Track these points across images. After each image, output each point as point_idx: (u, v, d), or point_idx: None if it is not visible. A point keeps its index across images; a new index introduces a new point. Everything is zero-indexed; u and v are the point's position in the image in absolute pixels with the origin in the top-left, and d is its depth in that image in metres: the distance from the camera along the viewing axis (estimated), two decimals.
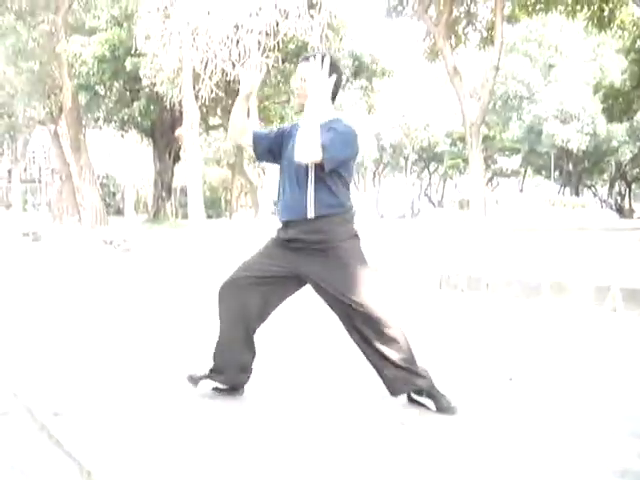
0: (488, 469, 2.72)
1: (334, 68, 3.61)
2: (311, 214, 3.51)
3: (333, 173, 3.51)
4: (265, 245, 3.77)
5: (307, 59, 3.64)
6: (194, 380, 3.84)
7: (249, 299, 3.64)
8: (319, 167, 3.45)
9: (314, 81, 3.47)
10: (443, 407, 3.48)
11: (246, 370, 3.81)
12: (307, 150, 3.36)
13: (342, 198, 3.58)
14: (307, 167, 3.49)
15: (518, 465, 2.77)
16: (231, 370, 3.78)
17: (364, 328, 3.53)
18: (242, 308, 3.66)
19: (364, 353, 3.61)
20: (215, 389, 3.83)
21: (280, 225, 3.68)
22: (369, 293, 3.53)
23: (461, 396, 3.59)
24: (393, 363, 3.51)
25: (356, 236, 3.65)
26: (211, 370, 3.81)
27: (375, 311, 3.51)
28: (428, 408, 3.49)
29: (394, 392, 3.59)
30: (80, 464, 2.83)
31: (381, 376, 3.59)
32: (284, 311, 3.93)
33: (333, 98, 3.67)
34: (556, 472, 2.69)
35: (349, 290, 3.50)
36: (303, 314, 4.04)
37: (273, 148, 3.78)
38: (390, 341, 3.51)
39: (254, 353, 3.79)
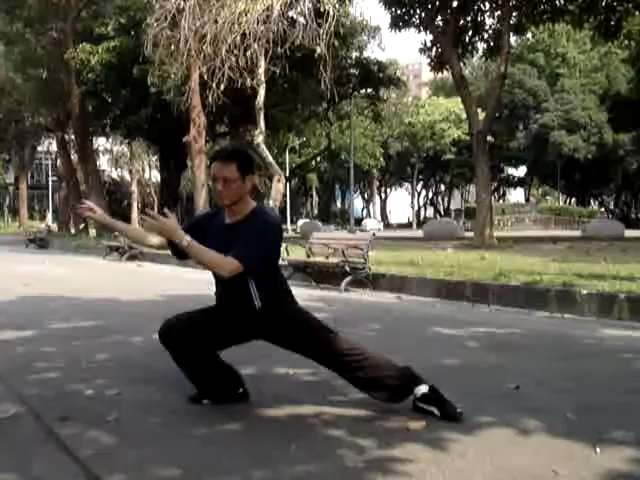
0: (493, 475, 2.73)
1: (249, 165, 3.69)
2: (258, 305, 3.64)
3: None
4: (213, 311, 3.85)
5: (223, 160, 3.63)
6: (195, 400, 3.83)
7: (199, 346, 3.67)
8: None
9: (167, 229, 3.50)
10: (449, 414, 3.48)
11: (230, 379, 3.84)
12: (221, 270, 3.56)
13: (281, 281, 3.81)
14: None
15: (529, 472, 2.77)
16: (219, 387, 3.81)
17: (336, 366, 3.68)
18: (195, 352, 3.67)
19: (350, 382, 3.72)
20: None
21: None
22: (327, 338, 3.67)
23: (467, 404, 3.59)
24: (376, 384, 3.61)
25: (296, 302, 3.83)
26: (201, 392, 3.82)
27: (340, 350, 3.63)
28: (434, 415, 3.49)
29: (389, 401, 3.65)
30: (88, 469, 2.84)
31: (374, 397, 3.66)
32: None
33: (253, 190, 3.77)
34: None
35: (313, 349, 3.70)
36: None
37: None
38: (364, 366, 3.61)
39: (224, 366, 3.82)
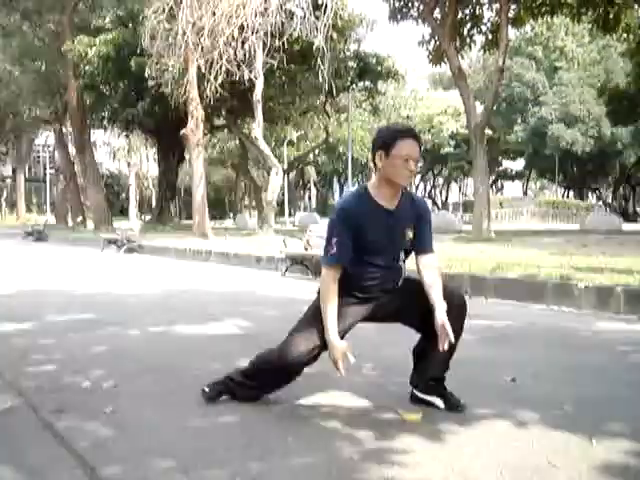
0: (489, 466, 2.73)
1: None
2: (399, 282, 3.62)
3: None
4: (344, 312, 3.51)
5: (417, 139, 3.46)
6: (212, 399, 3.67)
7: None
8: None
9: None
10: (452, 405, 3.50)
11: None
12: None
13: None
14: (402, 247, 3.57)
15: (525, 464, 2.78)
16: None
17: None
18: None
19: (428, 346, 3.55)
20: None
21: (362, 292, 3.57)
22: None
23: (464, 396, 3.59)
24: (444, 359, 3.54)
25: None
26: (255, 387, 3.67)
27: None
28: (434, 406, 3.50)
29: (422, 385, 3.61)
30: (84, 461, 2.84)
31: (426, 366, 3.60)
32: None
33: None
34: (558, 472, 2.70)
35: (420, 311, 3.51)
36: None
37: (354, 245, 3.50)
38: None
39: None
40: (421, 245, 3.58)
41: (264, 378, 3.62)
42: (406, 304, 3.58)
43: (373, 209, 3.45)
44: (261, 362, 3.60)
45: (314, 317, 3.49)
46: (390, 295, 3.58)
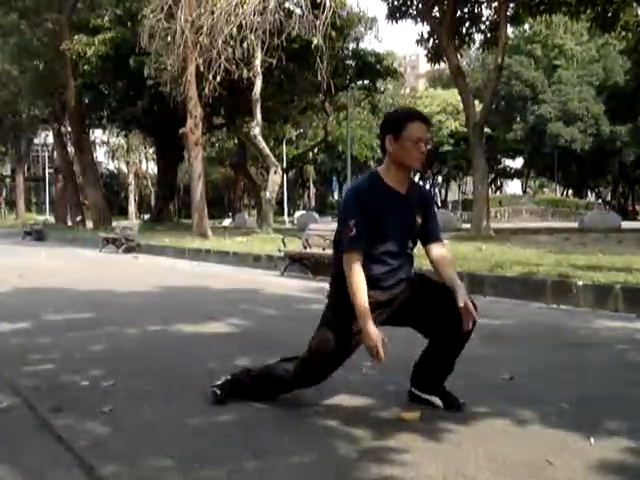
0: (487, 464, 2.73)
1: None
2: (413, 273, 3.65)
3: None
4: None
5: (426, 121, 3.50)
6: (220, 402, 3.60)
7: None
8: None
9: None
10: (451, 404, 3.49)
11: None
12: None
13: None
14: (411, 234, 3.55)
15: (523, 462, 2.77)
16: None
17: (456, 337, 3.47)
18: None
19: (442, 351, 3.57)
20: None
21: (381, 288, 3.48)
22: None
23: (461, 394, 3.59)
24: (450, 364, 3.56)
25: None
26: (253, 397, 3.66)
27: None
28: (432, 405, 3.49)
29: (432, 389, 3.59)
30: (82, 460, 2.83)
31: (431, 371, 3.60)
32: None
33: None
34: (555, 471, 2.70)
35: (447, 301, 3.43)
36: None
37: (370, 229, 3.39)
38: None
39: None
40: (431, 234, 3.58)
41: (278, 387, 3.64)
42: (420, 305, 3.55)
43: (386, 192, 3.43)
44: (276, 375, 3.60)
45: (328, 331, 3.45)
46: (406, 293, 3.54)
